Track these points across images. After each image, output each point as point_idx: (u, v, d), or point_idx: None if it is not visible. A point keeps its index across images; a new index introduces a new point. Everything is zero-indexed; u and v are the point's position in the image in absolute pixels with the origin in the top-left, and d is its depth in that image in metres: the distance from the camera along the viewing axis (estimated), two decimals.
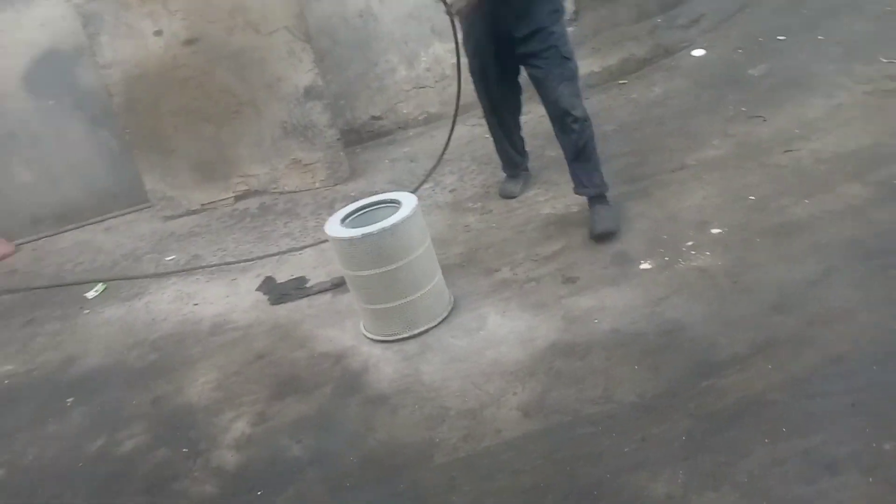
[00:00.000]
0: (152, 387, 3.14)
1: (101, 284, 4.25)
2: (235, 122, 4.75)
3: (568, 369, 2.57)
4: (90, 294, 4.19)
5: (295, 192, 4.82)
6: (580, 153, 3.22)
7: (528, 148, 3.96)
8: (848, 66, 4.32)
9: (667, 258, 3.06)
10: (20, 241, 5.15)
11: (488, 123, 3.76)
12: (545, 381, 2.55)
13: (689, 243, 3.12)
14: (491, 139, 3.88)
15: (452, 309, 3.07)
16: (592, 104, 4.83)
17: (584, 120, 3.18)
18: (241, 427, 2.75)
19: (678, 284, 2.87)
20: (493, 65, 3.42)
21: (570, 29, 5.33)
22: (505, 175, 3.94)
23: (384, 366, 2.85)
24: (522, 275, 3.21)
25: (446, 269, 3.39)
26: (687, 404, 2.29)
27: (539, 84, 3.25)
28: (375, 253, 2.84)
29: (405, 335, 2.95)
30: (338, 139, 4.71)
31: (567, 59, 3.14)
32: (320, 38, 5.02)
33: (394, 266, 2.86)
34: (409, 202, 2.96)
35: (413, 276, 2.91)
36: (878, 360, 2.26)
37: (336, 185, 4.75)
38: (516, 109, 3.73)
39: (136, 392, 3.14)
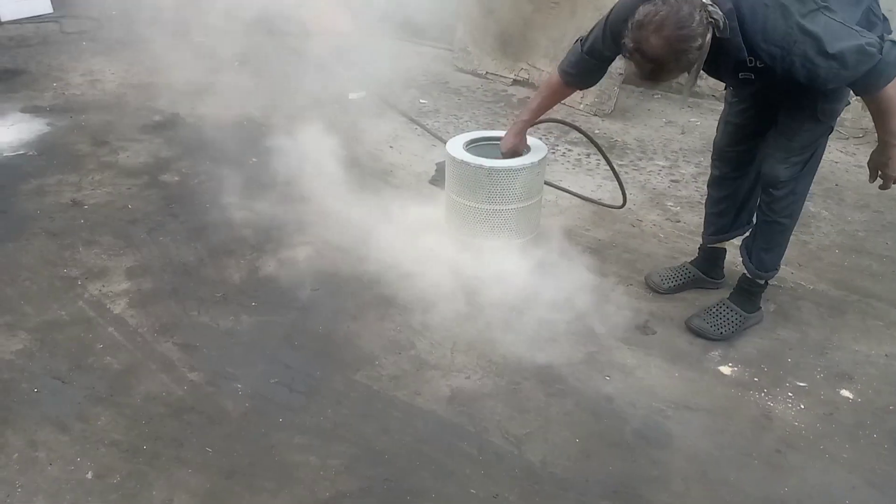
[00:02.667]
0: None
1: (363, 92, 4.81)
2: (551, 12, 4.71)
3: (528, 395, 2.36)
4: (352, 95, 4.78)
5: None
6: (766, 224, 2.54)
7: None
8: None
9: (756, 379, 2.48)
10: (362, 28, 5.92)
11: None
12: (500, 387, 2.38)
13: (800, 384, 2.47)
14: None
15: (537, 263, 2.93)
16: None
17: (786, 191, 2.44)
18: (304, 252, 3.08)
19: (723, 408, 2.34)
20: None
21: None
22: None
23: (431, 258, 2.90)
24: (618, 295, 2.88)
25: (573, 242, 3.18)
26: None
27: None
28: (470, 185, 2.79)
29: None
30: (620, 73, 4.40)
31: (820, 121, 2.33)
32: None
33: (477, 205, 2.80)
34: (535, 154, 2.80)
35: (490, 225, 2.82)
36: None
37: (594, 114, 4.53)
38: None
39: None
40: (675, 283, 2.91)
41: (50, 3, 6.46)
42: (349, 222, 3.23)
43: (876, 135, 2.29)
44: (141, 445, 2.11)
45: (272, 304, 2.75)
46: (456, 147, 2.85)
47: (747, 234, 2.72)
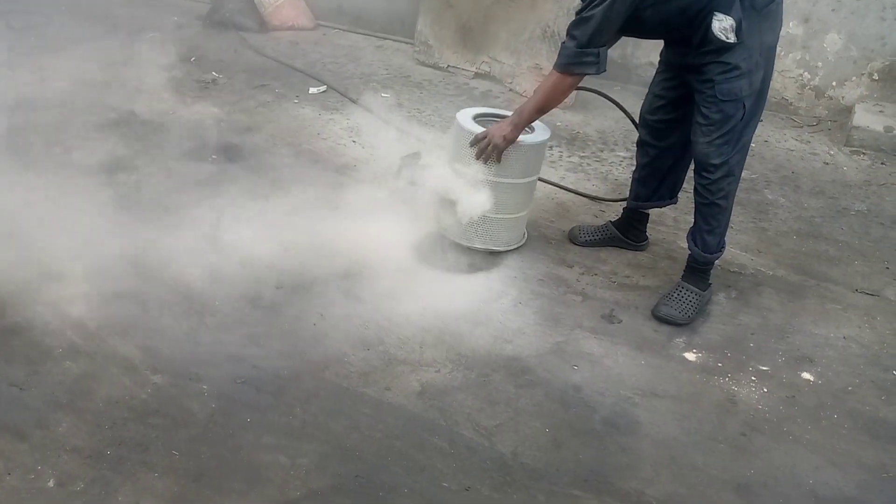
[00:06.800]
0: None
1: (324, 87, 4.76)
2: (511, 5, 4.71)
3: (497, 386, 2.37)
4: (312, 90, 4.72)
5: (521, 95, 4.73)
6: (704, 206, 2.65)
7: None
8: None
9: (720, 364, 2.53)
10: (321, 22, 5.88)
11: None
12: (470, 380, 2.38)
13: (762, 368, 2.53)
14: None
15: (502, 254, 2.98)
16: (876, 172, 3.88)
17: (720, 174, 2.56)
18: (268, 250, 3.03)
19: (689, 393, 2.39)
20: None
21: None
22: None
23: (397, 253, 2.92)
24: (582, 285, 2.90)
25: (538, 233, 3.20)
26: (538, 495, 2.00)
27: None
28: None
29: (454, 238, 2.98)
30: None
31: (722, 100, 2.44)
32: None
33: (486, 178, 2.84)
34: (540, 134, 2.89)
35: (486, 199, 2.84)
36: None
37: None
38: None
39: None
40: (591, 238, 3.13)
41: None
42: (312, 219, 3.19)
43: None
44: (104, 451, 2.06)
45: (236, 303, 2.70)
46: (466, 119, 2.88)
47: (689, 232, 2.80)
